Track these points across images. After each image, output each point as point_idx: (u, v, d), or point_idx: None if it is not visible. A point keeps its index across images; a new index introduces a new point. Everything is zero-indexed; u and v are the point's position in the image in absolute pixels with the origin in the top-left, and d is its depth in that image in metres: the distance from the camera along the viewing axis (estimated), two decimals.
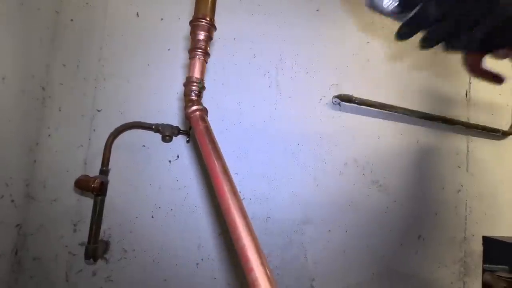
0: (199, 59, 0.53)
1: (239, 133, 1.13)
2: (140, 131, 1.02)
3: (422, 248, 1.28)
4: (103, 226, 0.99)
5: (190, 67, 0.53)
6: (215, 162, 0.46)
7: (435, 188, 1.33)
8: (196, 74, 0.52)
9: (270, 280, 0.34)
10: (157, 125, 0.96)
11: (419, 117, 1.29)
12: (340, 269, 1.18)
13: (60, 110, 0.99)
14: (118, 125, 0.97)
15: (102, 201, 0.88)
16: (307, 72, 1.21)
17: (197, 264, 1.06)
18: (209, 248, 1.07)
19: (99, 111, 1.02)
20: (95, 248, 0.86)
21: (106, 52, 1.04)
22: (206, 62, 0.54)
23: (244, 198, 1.11)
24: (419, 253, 1.28)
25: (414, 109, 1.28)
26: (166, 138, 0.97)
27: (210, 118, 1.11)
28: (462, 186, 1.37)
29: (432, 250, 1.29)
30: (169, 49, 1.09)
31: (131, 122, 0.96)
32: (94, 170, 0.97)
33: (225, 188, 0.43)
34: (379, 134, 1.27)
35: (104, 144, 0.93)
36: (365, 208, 1.23)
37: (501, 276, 0.79)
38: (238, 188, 1.09)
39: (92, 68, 1.03)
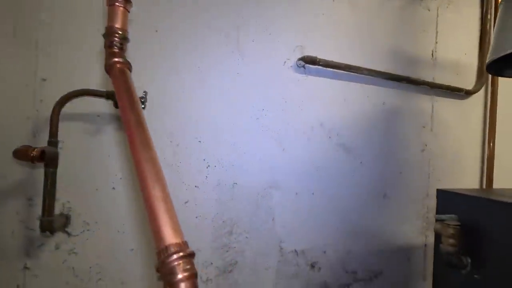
0: (119, 6, 0.47)
1: (201, 100, 1.09)
2: (91, 99, 0.96)
3: (387, 206, 1.33)
4: (62, 200, 0.96)
5: (109, 15, 0.48)
6: (130, 115, 0.43)
7: (400, 148, 1.36)
8: (117, 23, 0.47)
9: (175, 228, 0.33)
10: (108, 92, 0.91)
11: (385, 78, 1.28)
12: (308, 230, 1.22)
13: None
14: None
15: (54, 173, 0.84)
16: (270, 34, 1.16)
17: None
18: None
19: (44, 80, 0.95)
20: (50, 221, 0.83)
21: (47, 14, 0.95)
22: (128, 11, 0.49)
23: (209, 165, 1.10)
24: (384, 211, 1.33)
25: (380, 70, 1.27)
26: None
27: (168, 84, 1.06)
28: (426, 145, 1.40)
29: (397, 207, 1.35)
30: None
31: (79, 90, 0.90)
32: (45, 143, 0.92)
33: (137, 140, 0.41)
34: (345, 97, 1.27)
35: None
36: (331, 171, 1.25)
37: (449, 224, 0.83)
38: (203, 156, 1.07)
39: (33, 32, 0.94)
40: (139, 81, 0.99)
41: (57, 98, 0.89)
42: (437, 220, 0.88)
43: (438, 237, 0.89)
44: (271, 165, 1.17)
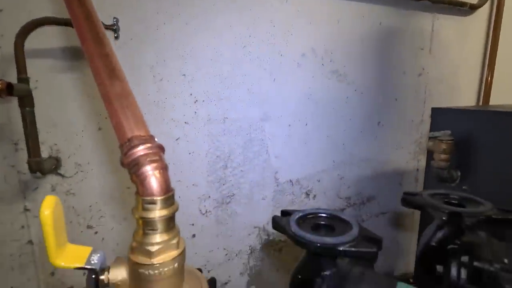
0: None
1: (183, 30, 0.99)
2: (60, 29, 0.87)
3: (381, 133, 1.33)
4: (48, 143, 0.94)
5: None
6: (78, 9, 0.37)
7: (396, 73, 1.30)
8: None
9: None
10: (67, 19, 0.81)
11: None
12: (302, 160, 1.23)
13: None
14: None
15: (31, 113, 0.80)
16: None
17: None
18: (167, 154, 1.06)
19: (0, 10, 0.85)
20: (38, 161, 0.82)
21: None
22: None
23: (197, 100, 1.05)
24: (378, 138, 1.33)
25: None
26: None
27: (144, 10, 0.96)
28: (423, 69, 1.34)
29: (391, 134, 1.35)
30: None
31: (41, 18, 0.80)
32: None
33: (88, 35, 0.36)
34: (338, 18, 1.16)
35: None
36: (325, 100, 1.21)
37: (442, 140, 0.83)
38: (189, 91, 1.02)
39: None
40: (107, 6, 0.89)
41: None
42: (430, 138, 0.88)
43: (430, 154, 0.90)
44: (261, 97, 1.12)
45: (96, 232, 1.03)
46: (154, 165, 0.36)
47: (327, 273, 0.37)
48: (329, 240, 0.36)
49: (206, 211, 1.14)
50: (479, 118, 0.80)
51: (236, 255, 1.22)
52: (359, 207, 1.36)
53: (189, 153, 1.08)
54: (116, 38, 0.91)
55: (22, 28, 0.77)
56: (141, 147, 0.36)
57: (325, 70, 1.18)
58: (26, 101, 0.77)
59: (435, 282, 0.44)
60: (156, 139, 0.40)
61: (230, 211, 1.17)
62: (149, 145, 0.36)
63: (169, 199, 0.37)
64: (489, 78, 1.43)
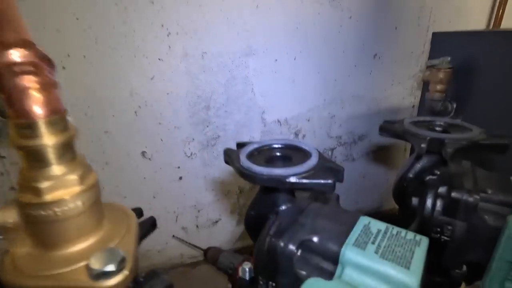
0: None
1: None
2: None
3: (378, 67, 1.23)
4: None
5: None
6: None
7: None
8: None
9: None
10: None
11: None
12: (291, 99, 1.16)
13: None
14: None
15: None
16: None
17: (135, 112, 1.00)
18: (143, 95, 0.99)
19: None
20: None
21: None
22: None
23: (170, 33, 0.94)
24: (374, 72, 1.23)
25: None
26: None
27: None
28: None
29: (388, 68, 1.24)
30: None
31: None
32: None
33: None
34: None
35: None
36: (315, 30, 1.08)
37: (440, 69, 0.74)
38: (161, 22, 0.89)
39: None
40: None
41: None
42: (428, 67, 0.79)
43: (426, 86, 0.82)
44: (243, 27, 1.00)
45: None
46: (32, 78, 0.28)
47: (281, 208, 0.33)
48: (278, 171, 0.32)
49: (192, 154, 1.11)
50: (484, 41, 0.70)
51: (225, 195, 1.23)
52: (350, 146, 1.33)
53: (167, 94, 1.00)
54: None
55: None
56: (13, 53, 0.27)
57: None
58: None
59: (410, 216, 0.41)
60: (39, 48, 0.32)
61: (216, 153, 1.14)
62: (25, 52, 0.28)
63: (57, 122, 0.31)
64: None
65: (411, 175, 0.41)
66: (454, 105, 0.79)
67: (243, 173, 0.32)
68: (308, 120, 1.21)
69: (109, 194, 1.07)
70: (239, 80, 1.06)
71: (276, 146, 0.39)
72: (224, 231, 1.30)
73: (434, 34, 0.83)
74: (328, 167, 0.32)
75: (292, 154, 0.37)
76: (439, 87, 0.75)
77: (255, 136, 1.17)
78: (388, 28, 1.18)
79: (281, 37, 1.05)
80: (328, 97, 1.20)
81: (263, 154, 0.37)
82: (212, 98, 1.06)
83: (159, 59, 0.96)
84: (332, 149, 1.31)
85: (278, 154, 0.37)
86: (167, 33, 0.94)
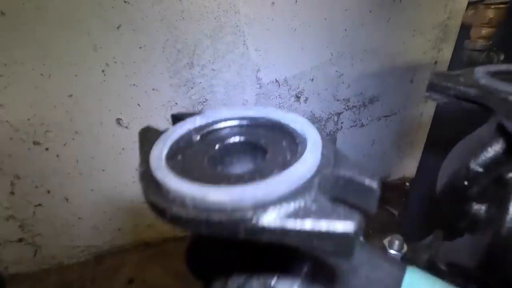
0: None
1: None
2: None
3: (398, 12, 1.01)
4: None
5: None
6: None
7: None
8: None
9: None
10: None
11: None
12: (291, 54, 0.97)
13: None
14: None
15: None
16: None
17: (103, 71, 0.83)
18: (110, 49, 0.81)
19: None
20: None
21: None
22: None
23: None
24: (393, 20, 1.02)
25: None
26: None
27: None
28: None
29: (410, 14, 1.02)
30: None
31: None
32: None
33: None
34: None
35: None
36: None
37: (490, 4, 0.55)
38: None
39: None
40: None
41: None
42: (470, 4, 0.59)
43: (463, 33, 0.63)
44: None
45: (47, 149, 0.88)
46: None
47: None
48: (221, 194, 0.13)
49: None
50: None
51: None
52: (358, 109, 1.16)
53: (140, 48, 0.82)
54: None
55: None
56: None
57: None
58: None
59: (465, 228, 0.27)
60: None
61: None
62: None
63: None
64: None
65: (477, 168, 0.25)
66: (502, 57, 0.60)
67: (147, 199, 0.13)
68: (312, 80, 1.03)
69: (84, 167, 0.94)
70: (228, 30, 0.87)
71: (239, 123, 0.20)
72: None
73: None
74: (343, 177, 0.14)
75: (270, 141, 0.17)
76: (484, 31, 0.56)
77: (248, 100, 1.00)
78: None
79: None
80: (335, 51, 1.01)
81: (209, 144, 0.18)
82: (195, 53, 0.87)
83: (125, 1, 0.76)
84: (339, 114, 1.15)
85: (240, 142, 0.18)
86: None
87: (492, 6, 0.54)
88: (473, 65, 0.56)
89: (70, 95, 0.83)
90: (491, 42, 0.58)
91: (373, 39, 1.03)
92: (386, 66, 1.10)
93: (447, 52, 1.15)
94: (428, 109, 1.27)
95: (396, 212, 1.32)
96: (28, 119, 0.83)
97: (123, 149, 0.95)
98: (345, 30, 0.98)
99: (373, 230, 1.24)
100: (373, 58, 1.06)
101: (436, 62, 1.16)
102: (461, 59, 0.63)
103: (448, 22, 1.08)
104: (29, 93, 0.80)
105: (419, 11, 1.03)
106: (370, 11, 0.97)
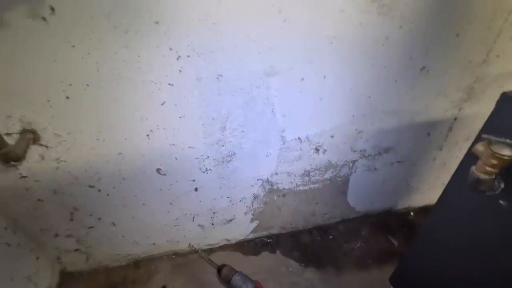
0: None
1: None
2: None
3: (423, 81, 1.04)
4: (17, 115, 0.81)
5: None
6: None
7: None
8: None
9: None
10: None
11: None
12: (314, 117, 1.04)
13: None
14: None
15: None
16: None
17: (147, 135, 0.95)
18: (154, 119, 0.92)
19: None
20: (5, 152, 0.73)
21: None
22: None
23: (180, 56, 0.80)
24: (417, 87, 1.05)
25: None
26: None
27: None
28: None
29: (435, 81, 1.05)
30: None
31: None
32: None
33: None
34: None
35: None
36: (354, 42, 0.89)
37: (496, 154, 0.61)
38: (168, 44, 0.76)
39: None
40: None
41: None
42: (482, 140, 0.66)
43: (472, 157, 0.69)
44: (266, 44, 0.84)
45: (99, 190, 1.05)
46: None
47: None
48: None
49: (207, 169, 1.09)
50: None
51: (240, 201, 1.25)
52: (373, 157, 1.25)
53: (180, 117, 0.93)
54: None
55: None
56: None
57: None
58: None
59: None
60: None
61: (232, 168, 1.11)
62: None
63: None
64: None
65: None
66: (502, 185, 0.67)
67: None
68: (332, 137, 1.11)
69: (128, 202, 1.11)
70: (258, 102, 0.95)
71: None
72: (237, 227, 1.36)
73: (503, 95, 0.65)
74: None
75: None
76: (489, 169, 0.63)
77: (272, 152, 1.11)
78: (447, 35, 0.94)
79: (310, 54, 0.88)
80: (357, 114, 1.07)
81: None
82: (228, 120, 0.97)
83: (169, 84, 0.85)
84: (354, 161, 1.24)
85: None
86: (177, 57, 0.80)
87: (497, 155, 0.60)
88: (476, 189, 0.65)
89: (120, 153, 0.96)
90: (494, 176, 0.65)
91: (395, 103, 1.07)
92: (405, 123, 1.16)
93: (468, 110, 1.18)
94: (442, 157, 1.33)
95: (396, 243, 1.46)
96: (86, 170, 0.98)
97: (160, 189, 1.10)
98: (369, 97, 1.03)
99: (372, 259, 1.40)
100: (393, 117, 1.12)
101: (455, 119, 1.20)
102: (465, 175, 0.70)
103: (474, 85, 1.10)
104: (87, 153, 0.93)
105: (445, 78, 1.05)
106: (395, 81, 1.01)
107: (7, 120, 0.81)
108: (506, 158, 0.60)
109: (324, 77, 0.94)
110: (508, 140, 0.62)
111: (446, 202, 0.87)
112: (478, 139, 0.69)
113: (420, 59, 0.97)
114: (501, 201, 0.70)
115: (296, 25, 0.81)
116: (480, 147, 0.65)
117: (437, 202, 0.90)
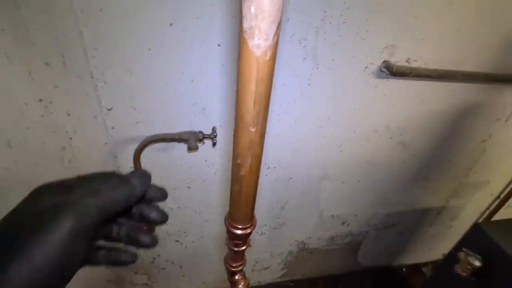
0: None
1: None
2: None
3: (424, 185, 1.46)
4: None
5: None
6: None
7: (459, 139, 1.32)
8: None
9: None
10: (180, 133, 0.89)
11: (486, 80, 1.07)
12: (346, 204, 1.44)
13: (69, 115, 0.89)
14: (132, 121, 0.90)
15: None
16: (357, 33, 0.90)
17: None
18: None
19: (109, 109, 0.91)
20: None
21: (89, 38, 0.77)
22: None
23: (269, 167, 1.18)
24: (421, 187, 1.47)
25: (479, 71, 1.04)
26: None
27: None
28: (490, 136, 1.34)
29: (433, 185, 1.48)
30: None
31: (153, 136, 0.88)
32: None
33: None
34: (424, 98, 1.12)
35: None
36: (382, 164, 1.30)
37: (471, 264, 1.02)
38: (263, 160, 1.14)
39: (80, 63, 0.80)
40: None
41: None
42: (462, 251, 1.06)
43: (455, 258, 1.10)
44: (326, 164, 1.23)
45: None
46: None
47: None
48: None
49: (262, 233, 1.45)
50: None
51: (278, 254, 1.61)
52: (381, 230, 1.65)
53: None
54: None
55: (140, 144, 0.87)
56: None
57: (392, 141, 1.22)
58: None
59: None
60: None
61: (280, 233, 1.48)
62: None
63: None
64: None
65: None
66: (473, 278, 1.08)
67: None
68: (355, 215, 1.51)
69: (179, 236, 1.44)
70: (311, 192, 1.33)
71: None
72: (270, 273, 1.71)
73: (476, 225, 1.07)
74: None
75: None
76: (466, 269, 1.04)
77: (310, 224, 1.48)
78: (442, 161, 1.37)
79: (352, 168, 1.28)
80: (375, 203, 1.47)
81: None
82: (287, 203, 1.35)
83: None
84: (367, 232, 1.63)
85: None
86: (267, 167, 1.18)
87: (470, 262, 1.00)
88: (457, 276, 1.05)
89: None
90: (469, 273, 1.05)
91: (402, 196, 1.49)
92: (407, 208, 1.57)
93: (452, 202, 1.61)
94: (431, 231, 1.75)
95: None
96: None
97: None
98: (386, 194, 1.44)
99: None
100: (399, 205, 1.53)
101: (443, 207, 1.63)
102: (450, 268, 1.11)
103: (458, 188, 1.53)
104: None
105: (438, 184, 1.48)
106: (405, 185, 1.43)
107: None
108: (475, 266, 1.01)
109: (358, 182, 1.34)
110: (477, 255, 1.03)
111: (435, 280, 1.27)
112: (461, 249, 1.09)
113: (424, 172, 1.40)
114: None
115: (348, 154, 1.22)
116: (461, 255, 1.05)
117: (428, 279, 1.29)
